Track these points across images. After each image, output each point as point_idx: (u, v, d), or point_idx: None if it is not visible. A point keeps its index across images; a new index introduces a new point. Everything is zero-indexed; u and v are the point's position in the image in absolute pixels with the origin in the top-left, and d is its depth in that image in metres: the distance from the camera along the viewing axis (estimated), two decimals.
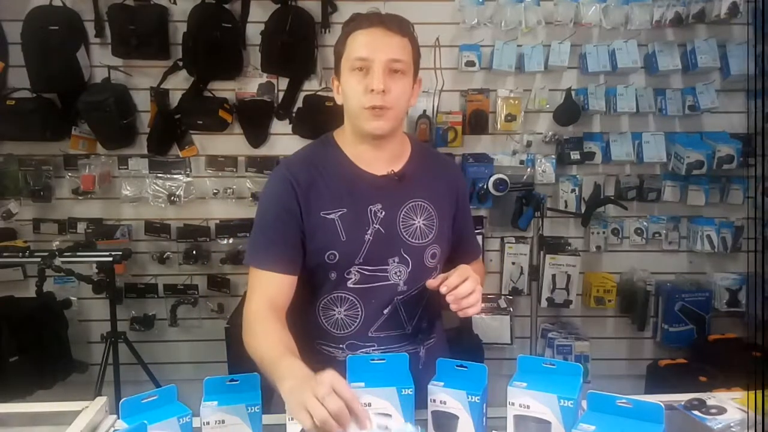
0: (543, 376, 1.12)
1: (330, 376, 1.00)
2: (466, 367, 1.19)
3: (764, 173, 2.18)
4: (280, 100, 2.82)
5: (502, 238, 2.95)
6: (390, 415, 1.12)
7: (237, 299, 2.88)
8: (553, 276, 2.84)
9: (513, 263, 2.92)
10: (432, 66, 2.77)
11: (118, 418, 1.16)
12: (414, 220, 1.39)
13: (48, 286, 2.53)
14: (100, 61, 2.75)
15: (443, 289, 1.24)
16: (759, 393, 1.18)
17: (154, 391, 1.13)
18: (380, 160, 1.39)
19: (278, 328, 1.25)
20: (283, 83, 2.81)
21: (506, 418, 1.11)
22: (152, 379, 2.67)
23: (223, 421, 1.11)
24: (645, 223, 2.94)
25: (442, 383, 1.15)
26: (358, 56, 1.29)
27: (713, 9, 2.63)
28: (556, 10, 2.72)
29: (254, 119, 2.82)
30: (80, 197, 2.81)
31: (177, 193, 2.82)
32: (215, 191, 2.84)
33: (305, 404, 0.97)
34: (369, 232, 1.35)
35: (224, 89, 2.80)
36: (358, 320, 1.38)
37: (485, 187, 2.72)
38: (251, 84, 2.81)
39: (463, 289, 1.23)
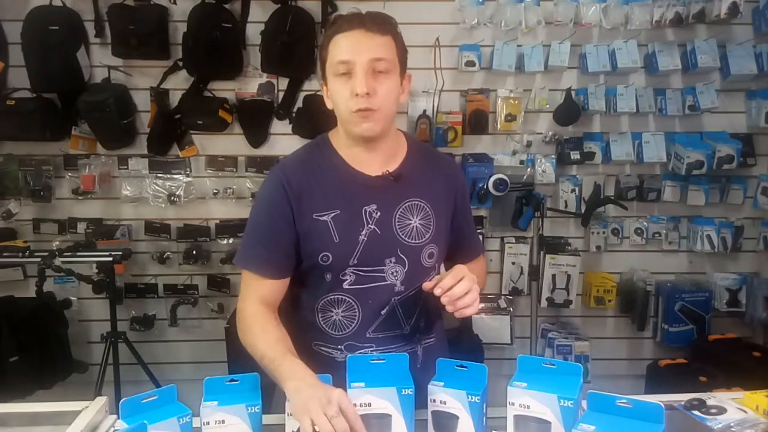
0: (543, 376, 1.12)
1: (338, 395, 1.06)
2: (466, 367, 1.18)
3: None
4: (280, 100, 2.82)
5: (502, 238, 2.95)
6: (390, 415, 1.13)
7: (237, 299, 2.86)
8: (553, 276, 2.84)
9: (513, 263, 2.92)
10: (432, 66, 2.77)
11: (118, 418, 1.15)
12: (410, 219, 1.38)
13: (48, 286, 2.53)
14: (100, 61, 2.75)
15: (437, 291, 1.23)
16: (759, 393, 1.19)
17: (154, 391, 1.13)
18: (375, 161, 1.38)
19: (275, 326, 1.31)
20: (283, 83, 2.81)
21: (506, 418, 1.11)
22: (152, 379, 2.67)
23: (223, 421, 1.11)
24: (645, 223, 2.94)
25: (442, 383, 1.15)
26: (340, 60, 1.28)
27: (713, 9, 2.62)
28: (556, 10, 2.72)
29: (254, 119, 2.82)
30: (80, 197, 2.81)
31: (177, 193, 2.82)
32: (215, 191, 2.84)
33: (312, 415, 1.03)
34: (363, 233, 1.34)
35: (224, 89, 2.80)
36: (355, 321, 1.38)
37: (485, 187, 2.72)
38: (251, 84, 2.81)
39: (457, 289, 1.22)
